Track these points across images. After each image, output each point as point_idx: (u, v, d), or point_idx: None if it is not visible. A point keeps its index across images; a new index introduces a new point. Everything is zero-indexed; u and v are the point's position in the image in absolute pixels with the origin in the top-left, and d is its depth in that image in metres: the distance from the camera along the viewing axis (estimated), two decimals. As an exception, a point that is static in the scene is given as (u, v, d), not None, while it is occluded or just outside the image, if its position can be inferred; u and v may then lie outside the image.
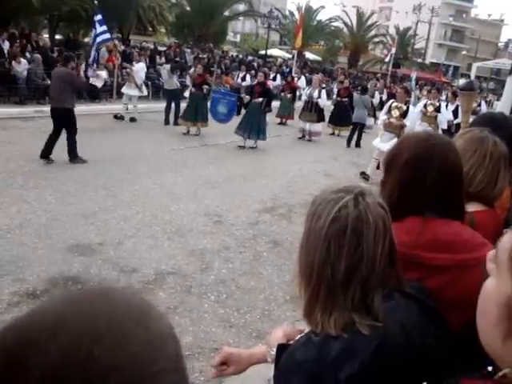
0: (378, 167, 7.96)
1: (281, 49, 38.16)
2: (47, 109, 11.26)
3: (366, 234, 1.01)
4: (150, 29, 26.74)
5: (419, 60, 45.77)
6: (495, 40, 60.49)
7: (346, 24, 41.30)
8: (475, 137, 1.72)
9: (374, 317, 1.01)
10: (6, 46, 13.68)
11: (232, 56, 26.46)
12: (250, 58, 28.00)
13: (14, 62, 12.50)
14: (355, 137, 12.33)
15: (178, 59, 18.82)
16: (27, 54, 13.77)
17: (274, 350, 1.21)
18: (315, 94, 12.66)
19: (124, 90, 12.40)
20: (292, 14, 39.80)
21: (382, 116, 8.83)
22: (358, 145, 12.36)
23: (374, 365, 0.96)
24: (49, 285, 3.98)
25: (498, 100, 25.95)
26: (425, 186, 1.29)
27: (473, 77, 25.60)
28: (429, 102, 10.29)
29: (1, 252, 4.44)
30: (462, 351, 1.06)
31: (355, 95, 12.80)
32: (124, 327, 0.45)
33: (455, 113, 11.03)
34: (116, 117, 12.09)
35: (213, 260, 4.80)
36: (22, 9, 16.11)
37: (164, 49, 22.81)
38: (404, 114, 8.45)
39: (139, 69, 12.31)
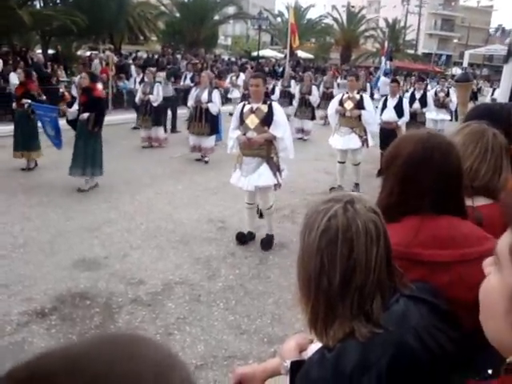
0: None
1: (273, 49, 38.20)
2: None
3: (357, 241, 1.00)
4: (142, 37, 26.80)
5: (411, 51, 45.80)
6: (486, 26, 60.53)
7: (336, 20, 41.37)
8: (474, 130, 1.72)
9: (374, 323, 1.00)
10: (0, 64, 13.70)
11: (223, 60, 26.47)
12: (243, 60, 28.01)
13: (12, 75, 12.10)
14: None
15: (170, 66, 18.81)
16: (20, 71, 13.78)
17: (288, 362, 1.21)
18: (204, 96, 9.00)
19: None
20: (282, 13, 39.84)
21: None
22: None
23: (391, 374, 0.95)
24: (57, 302, 3.97)
25: (490, 87, 25.89)
26: (424, 186, 1.29)
27: (465, 64, 25.43)
28: (346, 95, 7.46)
29: (7, 272, 4.44)
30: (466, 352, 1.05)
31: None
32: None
33: (398, 108, 8.21)
34: None
35: (219, 267, 4.79)
36: (14, 26, 16.10)
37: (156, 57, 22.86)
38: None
39: None
